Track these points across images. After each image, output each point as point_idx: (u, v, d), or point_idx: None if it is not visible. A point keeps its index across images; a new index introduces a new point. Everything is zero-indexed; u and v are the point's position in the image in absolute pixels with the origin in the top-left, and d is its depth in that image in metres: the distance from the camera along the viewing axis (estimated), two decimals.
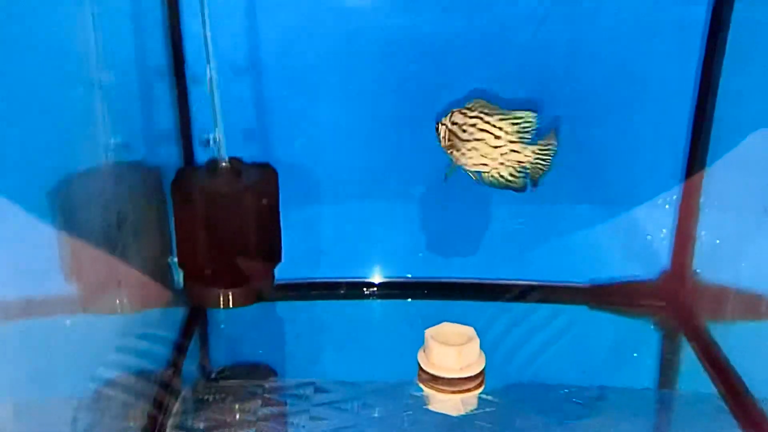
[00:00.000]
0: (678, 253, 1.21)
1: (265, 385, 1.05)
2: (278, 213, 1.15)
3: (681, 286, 1.21)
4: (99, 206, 0.86)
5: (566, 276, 1.24)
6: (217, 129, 1.09)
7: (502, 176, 0.90)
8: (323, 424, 0.97)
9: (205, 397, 1.03)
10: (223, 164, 1.10)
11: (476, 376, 1.05)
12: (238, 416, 0.99)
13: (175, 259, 1.13)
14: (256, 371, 1.09)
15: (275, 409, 1.00)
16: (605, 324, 1.22)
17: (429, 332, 1.08)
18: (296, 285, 1.26)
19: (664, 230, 1.21)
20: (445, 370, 1.05)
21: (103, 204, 0.87)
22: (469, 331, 1.08)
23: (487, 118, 0.89)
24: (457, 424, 0.98)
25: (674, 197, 1.19)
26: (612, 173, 1.20)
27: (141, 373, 0.99)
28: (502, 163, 0.90)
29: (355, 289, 1.26)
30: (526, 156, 0.89)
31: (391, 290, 1.26)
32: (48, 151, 0.75)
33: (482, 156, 0.90)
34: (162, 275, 1.12)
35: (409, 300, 1.26)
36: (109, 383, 0.88)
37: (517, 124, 0.89)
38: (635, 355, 1.15)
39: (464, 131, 0.90)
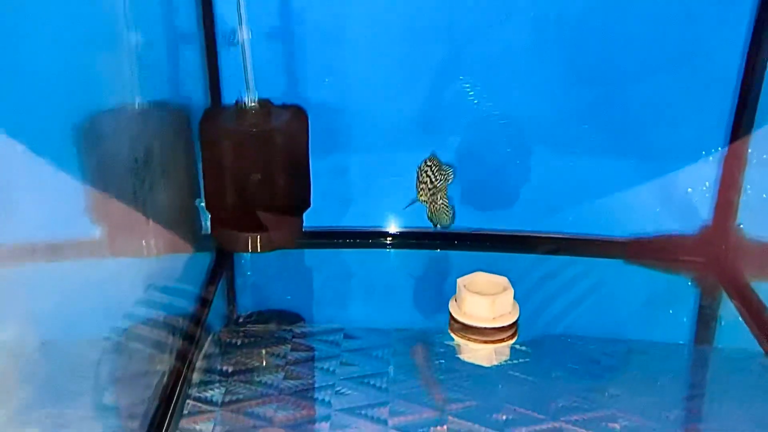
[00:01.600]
0: (721, 207, 1.16)
1: (294, 330, 1.03)
2: (308, 156, 1.12)
3: (723, 242, 1.17)
4: (126, 141, 0.84)
5: (604, 229, 1.21)
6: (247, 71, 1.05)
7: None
8: (354, 369, 0.95)
9: (234, 341, 1.01)
10: (252, 104, 1.07)
11: (509, 327, 1.03)
12: (266, 360, 0.97)
13: (203, 203, 1.11)
14: (283, 317, 1.07)
15: (305, 354, 0.98)
16: (642, 278, 1.19)
17: (461, 281, 1.05)
18: (324, 233, 1.24)
19: (707, 183, 1.17)
20: (478, 320, 1.02)
21: (131, 139, 0.85)
22: (503, 281, 1.05)
23: None
24: (490, 373, 0.96)
25: (719, 149, 1.15)
26: (655, 124, 1.15)
27: (168, 317, 0.97)
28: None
29: (383, 238, 1.24)
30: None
31: (420, 240, 1.24)
32: (74, 86, 0.72)
33: None
34: (189, 218, 1.10)
35: (439, 250, 1.24)
36: (136, 326, 0.87)
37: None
38: (671, 311, 1.12)
39: None
